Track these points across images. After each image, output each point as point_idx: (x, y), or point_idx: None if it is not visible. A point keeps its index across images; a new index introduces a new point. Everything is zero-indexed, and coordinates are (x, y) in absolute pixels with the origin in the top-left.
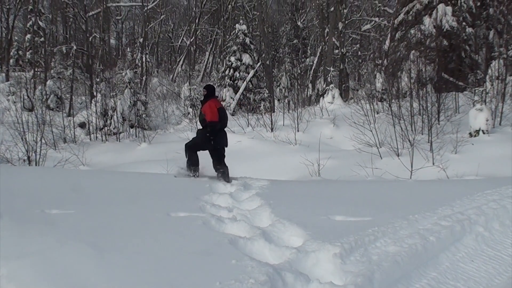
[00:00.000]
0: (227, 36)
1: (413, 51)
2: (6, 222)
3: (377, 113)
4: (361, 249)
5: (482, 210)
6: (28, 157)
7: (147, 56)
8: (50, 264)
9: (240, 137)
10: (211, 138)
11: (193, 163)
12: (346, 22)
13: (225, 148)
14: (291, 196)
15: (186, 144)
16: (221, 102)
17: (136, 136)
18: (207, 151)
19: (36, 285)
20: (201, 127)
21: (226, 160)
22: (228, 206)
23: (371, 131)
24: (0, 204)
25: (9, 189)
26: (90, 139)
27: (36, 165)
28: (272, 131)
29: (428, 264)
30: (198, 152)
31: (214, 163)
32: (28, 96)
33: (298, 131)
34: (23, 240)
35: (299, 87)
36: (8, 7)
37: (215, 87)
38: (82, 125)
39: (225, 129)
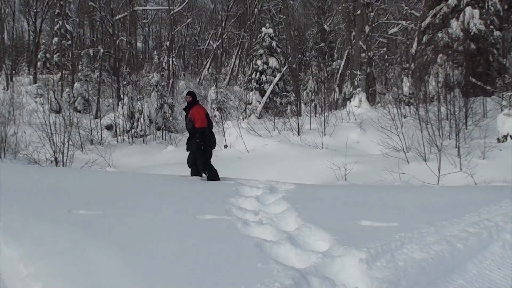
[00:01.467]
0: (254, 40)
1: (440, 55)
2: (34, 221)
3: (404, 117)
4: (387, 255)
5: (510, 217)
6: (56, 158)
7: (174, 59)
8: (77, 264)
9: (266, 140)
10: (201, 144)
11: (215, 177)
12: (373, 25)
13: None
14: (318, 200)
15: (201, 165)
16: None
17: (162, 139)
18: (188, 152)
19: (62, 285)
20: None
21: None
22: (254, 209)
23: (398, 135)
24: (29, 203)
25: (37, 189)
26: (117, 141)
27: (63, 166)
28: (298, 134)
29: (455, 271)
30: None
31: (199, 162)
32: (55, 98)
33: (324, 135)
34: (50, 240)
35: (325, 90)
36: (35, 10)
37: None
38: (109, 127)
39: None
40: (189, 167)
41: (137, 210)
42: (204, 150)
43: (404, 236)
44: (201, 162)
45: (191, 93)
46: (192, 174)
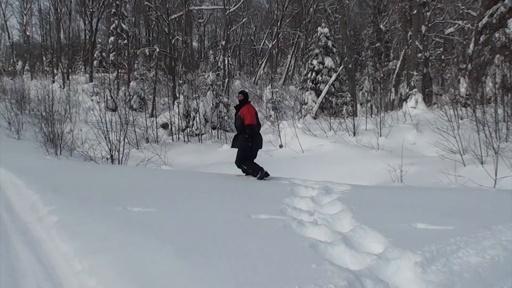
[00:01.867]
0: (309, 39)
1: (497, 55)
2: (89, 218)
3: (461, 119)
4: (442, 258)
5: None
6: (111, 156)
7: (229, 58)
8: (130, 261)
9: (322, 141)
10: (249, 140)
11: (256, 169)
12: (429, 25)
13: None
14: (373, 201)
15: (239, 163)
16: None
17: (218, 138)
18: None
19: (115, 281)
20: (236, 132)
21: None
22: (309, 209)
23: (455, 137)
24: (84, 200)
25: (93, 186)
26: (172, 139)
27: (118, 163)
28: (354, 135)
29: (510, 276)
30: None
31: (237, 158)
32: (111, 97)
33: (380, 136)
34: (105, 236)
35: (381, 91)
36: (91, 10)
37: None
38: (164, 126)
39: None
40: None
41: (191, 208)
42: (250, 147)
43: (459, 240)
44: (240, 158)
45: (243, 92)
46: (246, 173)
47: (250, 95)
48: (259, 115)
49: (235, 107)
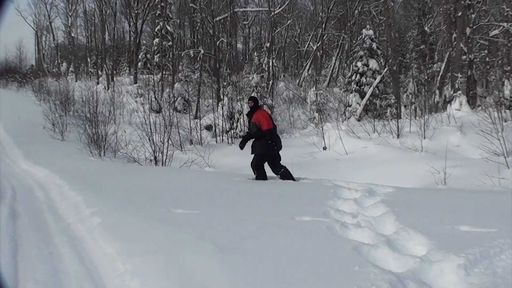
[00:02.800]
0: (354, 41)
1: None
2: (132, 219)
3: (505, 121)
4: (485, 261)
5: None
6: (155, 157)
7: (274, 60)
8: (174, 262)
9: (366, 143)
10: (273, 144)
11: (262, 178)
12: (474, 27)
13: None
14: (416, 204)
15: (253, 165)
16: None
17: None
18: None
19: (159, 282)
20: (245, 139)
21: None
22: (352, 212)
23: (499, 139)
24: (128, 201)
25: (136, 187)
26: (216, 141)
27: (162, 165)
28: (398, 137)
29: None
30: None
31: (273, 167)
32: (155, 98)
33: (424, 138)
34: (148, 238)
35: (426, 93)
36: (136, 12)
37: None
38: (208, 128)
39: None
40: (277, 174)
41: (234, 210)
42: (271, 152)
43: (503, 242)
44: (256, 163)
45: (253, 99)
46: (282, 177)
47: (295, 95)
48: (303, 117)
49: (246, 114)
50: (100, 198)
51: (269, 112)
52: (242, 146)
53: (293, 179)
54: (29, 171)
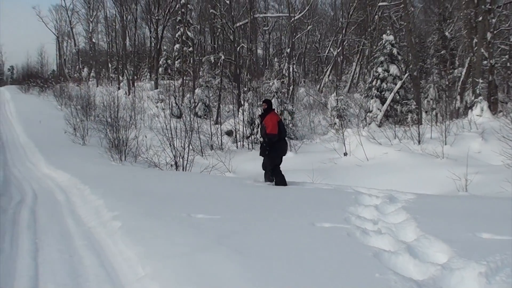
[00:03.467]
0: (374, 47)
1: None
2: (153, 223)
3: None
4: (507, 269)
5: None
6: (176, 162)
7: (294, 66)
8: (194, 266)
9: (386, 149)
10: (267, 149)
11: (282, 182)
12: (495, 32)
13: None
14: (438, 211)
15: (269, 170)
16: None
17: None
18: (261, 159)
19: (179, 286)
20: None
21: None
22: (373, 218)
23: None
24: (149, 205)
25: (157, 192)
26: (237, 147)
27: (183, 170)
28: (419, 143)
29: None
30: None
31: (268, 168)
32: (176, 104)
33: (445, 144)
34: (169, 242)
35: (447, 99)
36: (157, 18)
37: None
38: (229, 133)
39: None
40: (263, 169)
41: (255, 215)
42: (272, 156)
43: None
44: (270, 167)
45: (267, 101)
46: (265, 180)
47: (315, 101)
48: (324, 123)
49: (259, 115)
50: (121, 202)
51: (279, 117)
52: (262, 154)
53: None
54: (50, 175)
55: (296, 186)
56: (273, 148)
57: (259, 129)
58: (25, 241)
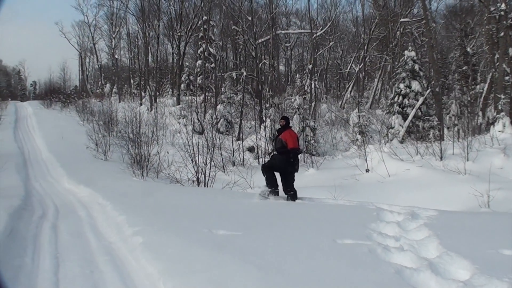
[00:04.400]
0: (396, 63)
1: None
2: (175, 239)
3: None
4: None
5: None
6: (197, 178)
7: (316, 82)
8: (215, 282)
9: (408, 165)
10: (295, 163)
11: (271, 183)
12: None
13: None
14: (460, 227)
15: (263, 165)
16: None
17: (304, 162)
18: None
19: None
20: (277, 153)
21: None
22: (395, 235)
23: None
24: (170, 221)
25: (179, 208)
26: (259, 163)
27: (204, 186)
28: (441, 159)
29: None
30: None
31: (285, 186)
32: (198, 120)
33: (467, 160)
34: (189, 258)
35: (469, 114)
36: (179, 34)
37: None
38: (251, 149)
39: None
40: (285, 193)
41: (276, 232)
42: (289, 169)
43: None
44: (268, 166)
45: (285, 118)
46: (289, 197)
47: (337, 117)
48: (345, 139)
49: (277, 130)
50: (142, 218)
51: (297, 134)
52: (285, 165)
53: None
54: (72, 190)
55: (317, 202)
56: (291, 163)
57: (274, 143)
58: (46, 256)
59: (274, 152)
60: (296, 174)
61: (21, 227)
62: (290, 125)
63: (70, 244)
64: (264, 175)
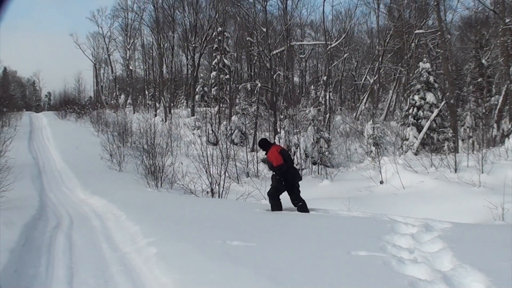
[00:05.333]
0: (411, 74)
1: None
2: (189, 250)
3: None
4: None
5: None
6: (212, 189)
7: (331, 94)
8: None
9: (423, 177)
10: (282, 180)
11: (275, 210)
12: None
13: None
14: (474, 240)
15: (268, 193)
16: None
17: (318, 173)
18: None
19: None
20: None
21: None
22: (409, 247)
23: None
24: (185, 232)
25: (193, 219)
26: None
27: (219, 197)
28: (456, 172)
29: None
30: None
31: (292, 198)
32: (213, 131)
33: (482, 172)
34: (204, 269)
35: (483, 127)
36: (194, 45)
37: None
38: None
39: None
40: (294, 206)
41: (290, 243)
42: (284, 185)
43: None
44: (271, 193)
45: (259, 144)
46: (299, 209)
47: (351, 129)
48: (360, 150)
49: (265, 154)
50: (156, 229)
51: (280, 147)
52: (277, 184)
53: (307, 211)
54: (87, 200)
55: (331, 213)
56: (285, 178)
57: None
58: (60, 266)
59: (273, 173)
60: (308, 185)
61: (36, 237)
62: (272, 142)
63: (84, 254)
64: (270, 202)
